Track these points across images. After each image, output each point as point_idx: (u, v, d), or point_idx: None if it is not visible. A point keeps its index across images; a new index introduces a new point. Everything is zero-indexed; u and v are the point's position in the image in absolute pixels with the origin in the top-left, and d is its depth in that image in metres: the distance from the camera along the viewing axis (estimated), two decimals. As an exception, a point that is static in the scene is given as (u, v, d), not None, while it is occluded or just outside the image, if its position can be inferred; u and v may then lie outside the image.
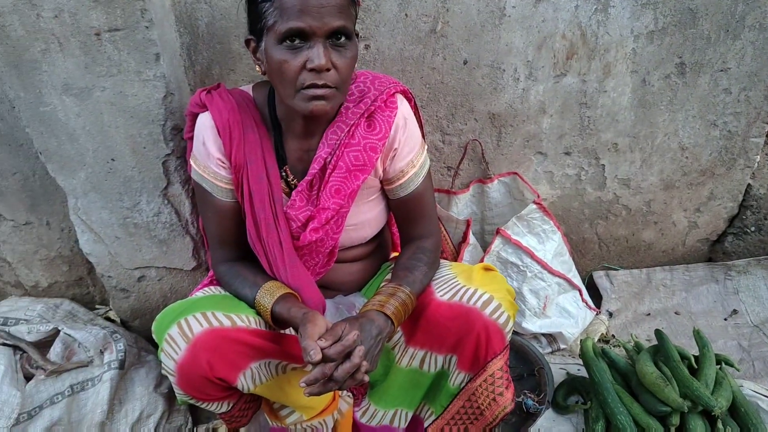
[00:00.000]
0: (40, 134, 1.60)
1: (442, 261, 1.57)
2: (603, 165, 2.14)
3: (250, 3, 1.26)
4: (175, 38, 1.64)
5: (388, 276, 1.50)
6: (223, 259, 1.50)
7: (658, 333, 1.85)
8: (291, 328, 1.41)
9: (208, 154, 1.38)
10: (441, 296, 1.42)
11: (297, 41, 1.18)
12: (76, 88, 1.52)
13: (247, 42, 1.31)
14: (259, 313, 1.38)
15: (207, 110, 1.37)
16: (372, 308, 1.30)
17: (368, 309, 1.31)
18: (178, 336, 1.26)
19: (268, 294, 1.36)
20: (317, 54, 1.17)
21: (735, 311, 2.27)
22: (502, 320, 1.36)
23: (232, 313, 1.33)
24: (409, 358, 1.52)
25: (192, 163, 1.43)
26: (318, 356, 1.15)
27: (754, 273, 2.34)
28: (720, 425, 1.50)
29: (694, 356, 1.80)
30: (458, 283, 1.42)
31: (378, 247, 1.65)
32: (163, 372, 1.31)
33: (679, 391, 1.63)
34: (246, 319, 1.35)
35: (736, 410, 1.66)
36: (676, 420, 1.60)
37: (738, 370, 1.83)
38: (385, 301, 1.32)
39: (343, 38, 1.20)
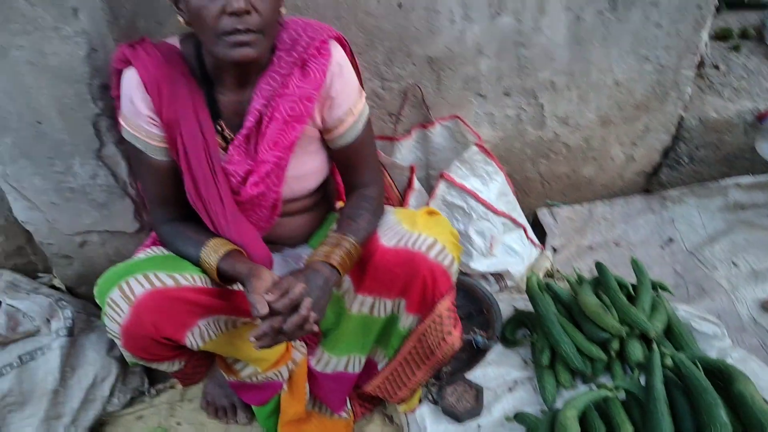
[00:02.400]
0: (-43, 99, 1.52)
1: (387, 207, 1.58)
2: (542, 104, 2.16)
3: None
4: (93, -10, 1.55)
5: (334, 226, 1.51)
6: (164, 220, 1.47)
7: (598, 265, 1.92)
8: (239, 284, 1.41)
9: (138, 112, 1.33)
10: (386, 242, 1.44)
11: None
12: (-10, 49, 1.44)
13: None
14: (205, 272, 1.37)
15: (132, 66, 1.32)
16: (317, 259, 1.31)
17: (313, 260, 1.32)
18: (120, 299, 1.25)
19: (213, 251, 1.34)
20: None
21: (671, 239, 2.37)
22: (446, 262, 1.40)
23: (176, 272, 1.32)
24: (359, 305, 1.54)
25: (122, 122, 1.38)
26: (265, 310, 1.16)
27: (688, 201, 2.44)
28: (655, 346, 1.58)
29: (632, 285, 1.88)
30: (402, 229, 1.44)
31: (323, 198, 1.65)
32: (108, 336, 1.30)
33: (618, 317, 1.70)
34: (191, 278, 1.33)
35: (671, 331, 1.75)
36: (616, 345, 1.69)
37: (673, 294, 1.92)
38: (330, 252, 1.32)
39: None
